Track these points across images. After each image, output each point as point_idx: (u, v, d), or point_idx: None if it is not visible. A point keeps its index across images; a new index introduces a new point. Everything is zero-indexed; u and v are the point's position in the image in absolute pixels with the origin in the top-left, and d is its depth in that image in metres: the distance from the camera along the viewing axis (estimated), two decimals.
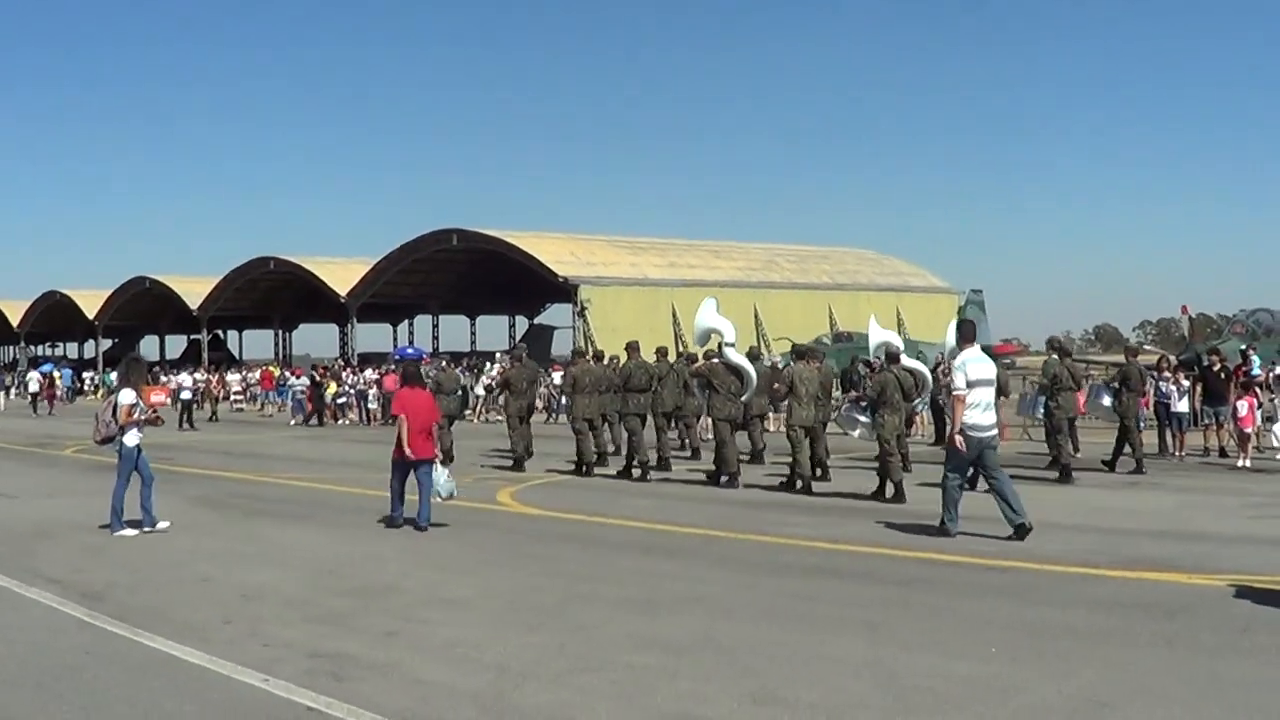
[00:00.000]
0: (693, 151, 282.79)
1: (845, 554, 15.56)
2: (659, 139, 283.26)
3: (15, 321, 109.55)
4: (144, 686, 9.70)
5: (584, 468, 26.64)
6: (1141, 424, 28.53)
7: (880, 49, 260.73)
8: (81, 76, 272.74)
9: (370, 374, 55.67)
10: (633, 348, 27.59)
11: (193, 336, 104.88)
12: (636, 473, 25.27)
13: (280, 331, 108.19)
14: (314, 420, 51.11)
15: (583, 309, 61.70)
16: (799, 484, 22.60)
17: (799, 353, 24.59)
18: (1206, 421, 29.95)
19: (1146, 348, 74.55)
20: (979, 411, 16.88)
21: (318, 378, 54.07)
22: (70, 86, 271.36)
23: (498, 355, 63.59)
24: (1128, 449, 26.37)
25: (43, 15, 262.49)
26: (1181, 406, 29.56)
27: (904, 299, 76.54)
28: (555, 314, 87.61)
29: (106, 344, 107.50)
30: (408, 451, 18.66)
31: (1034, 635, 10.87)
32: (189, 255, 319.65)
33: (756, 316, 65.96)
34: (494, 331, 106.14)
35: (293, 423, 52.04)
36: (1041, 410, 27.48)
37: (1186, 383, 30.30)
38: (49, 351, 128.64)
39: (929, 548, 15.68)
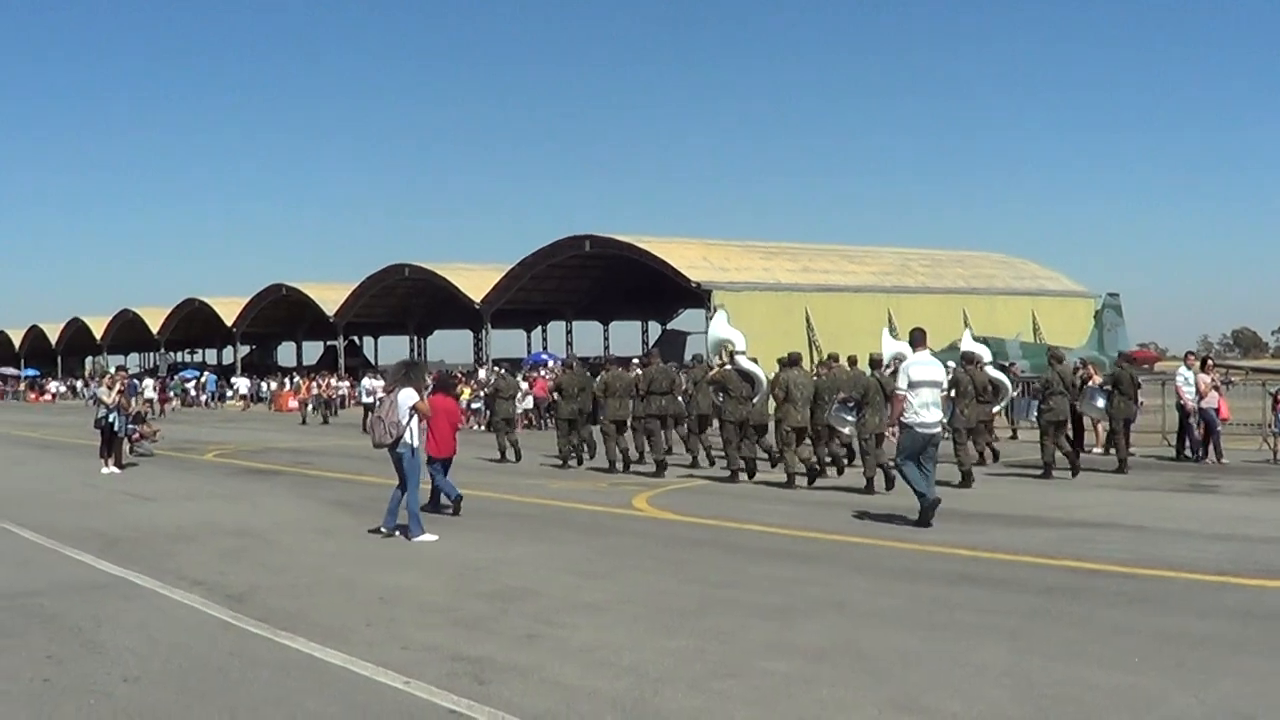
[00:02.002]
0: (825, 154, 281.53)
1: (985, 561, 15.43)
2: (790, 142, 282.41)
3: (155, 329, 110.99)
4: (288, 687, 9.82)
5: (613, 465, 29.10)
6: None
7: (1013, 46, 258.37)
8: (220, 88, 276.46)
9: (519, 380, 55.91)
10: (653, 354, 31.61)
11: (329, 343, 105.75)
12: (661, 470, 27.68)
13: (415, 338, 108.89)
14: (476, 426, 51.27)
15: (715, 314, 61.58)
16: (802, 481, 24.76)
17: (791, 360, 25.99)
18: None
19: None
20: (923, 410, 18.92)
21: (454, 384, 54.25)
22: (210, 97, 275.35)
23: (634, 360, 63.65)
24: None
25: (183, 25, 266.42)
26: None
27: (1039, 303, 75.60)
28: (688, 319, 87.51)
29: (244, 350, 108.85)
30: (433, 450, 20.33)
31: (1172, 644, 10.75)
32: (325, 263, 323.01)
33: (890, 321, 65.49)
34: (627, 337, 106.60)
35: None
36: (1035, 413, 28.84)
37: None
38: (188, 358, 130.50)
39: (1068, 555, 15.55)
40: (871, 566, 15.29)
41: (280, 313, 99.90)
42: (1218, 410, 29.90)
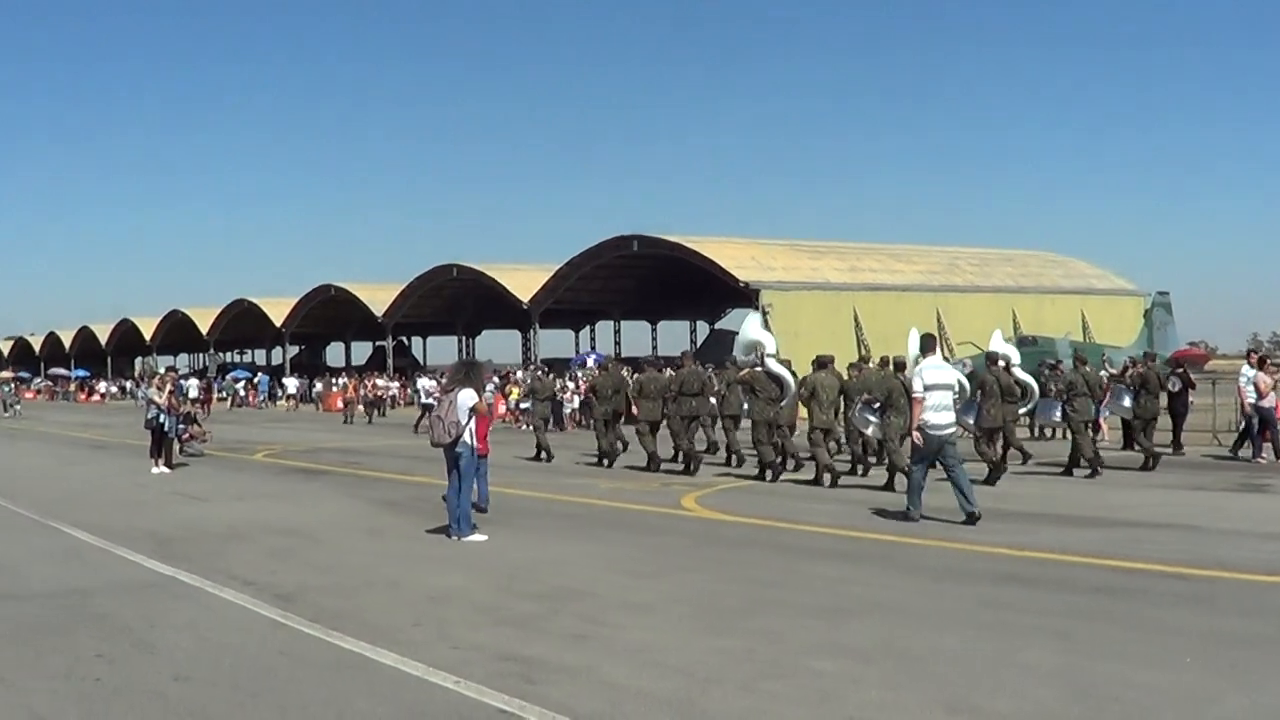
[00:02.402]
0: (871, 154, 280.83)
1: (1033, 561, 15.37)
2: (836, 141, 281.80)
3: (205, 329, 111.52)
4: (338, 687, 9.84)
5: (650, 464, 29.49)
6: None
7: (1062, 42, 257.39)
8: (269, 89, 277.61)
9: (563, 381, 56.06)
10: (685, 355, 32.49)
11: (378, 343, 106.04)
12: (692, 465, 28.60)
13: (463, 338, 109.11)
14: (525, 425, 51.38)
15: (764, 314, 61.52)
16: (827, 478, 25.42)
17: (819, 363, 27.04)
18: None
19: None
20: (937, 412, 19.36)
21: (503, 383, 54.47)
22: (261, 99, 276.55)
23: (680, 354, 63.55)
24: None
25: (232, 27, 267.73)
26: None
27: (1088, 302, 75.26)
28: (736, 319, 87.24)
29: (293, 351, 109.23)
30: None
31: (1224, 644, 10.70)
32: (373, 263, 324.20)
33: (939, 320, 65.34)
34: (675, 337, 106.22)
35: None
36: (1059, 413, 29.07)
37: None
38: (237, 358, 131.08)
39: (1117, 555, 15.49)
40: (919, 566, 15.25)
41: (329, 313, 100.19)
42: (1276, 409, 29.71)
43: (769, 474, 26.57)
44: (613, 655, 10.62)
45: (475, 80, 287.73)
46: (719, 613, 12.38)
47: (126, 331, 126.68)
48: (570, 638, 11.34)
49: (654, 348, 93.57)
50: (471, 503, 19.60)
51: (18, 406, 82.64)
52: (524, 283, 78.44)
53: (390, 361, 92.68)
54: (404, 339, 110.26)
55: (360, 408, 66.92)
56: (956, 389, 20.59)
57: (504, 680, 9.81)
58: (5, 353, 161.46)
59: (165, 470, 30.66)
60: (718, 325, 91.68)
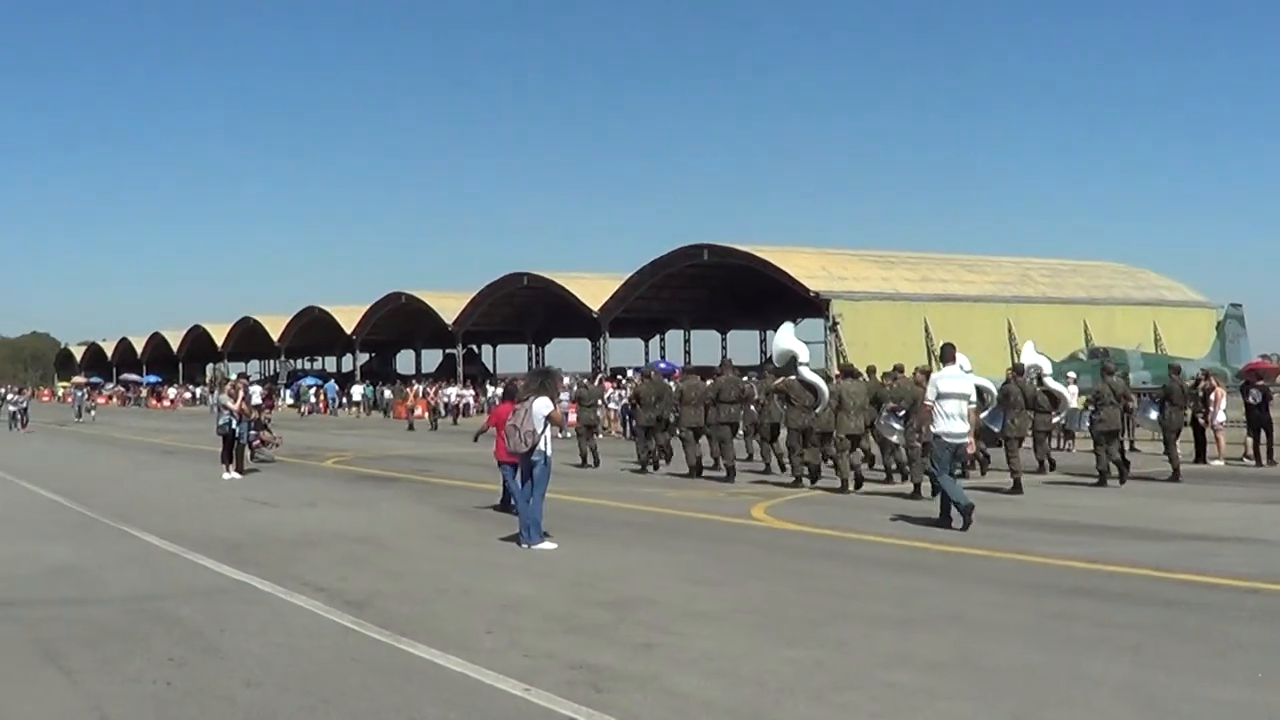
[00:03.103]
0: (942, 164, 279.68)
1: (1104, 574, 15.24)
2: (906, 151, 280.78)
3: (276, 336, 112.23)
4: (408, 694, 9.85)
5: (693, 471, 30.30)
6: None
7: (1134, 53, 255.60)
8: (344, 101, 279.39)
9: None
10: (725, 364, 33.54)
11: (447, 351, 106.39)
12: (723, 473, 29.32)
13: (533, 346, 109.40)
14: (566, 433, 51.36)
15: (834, 324, 61.46)
16: (849, 485, 25.90)
17: (846, 372, 28.63)
18: None
19: None
20: (950, 420, 20.14)
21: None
22: (334, 110, 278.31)
23: (720, 363, 63.77)
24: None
25: (303, 41, 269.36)
26: None
27: (1160, 313, 74.90)
28: (807, 329, 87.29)
29: (364, 358, 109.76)
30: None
31: None
32: (443, 272, 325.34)
33: (1010, 331, 65.10)
34: (745, 346, 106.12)
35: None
36: (1088, 424, 29.14)
37: None
38: (308, 365, 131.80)
39: (1189, 569, 15.33)
40: (989, 578, 15.16)
41: (399, 321, 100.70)
42: None
43: (803, 481, 27.22)
44: (681, 664, 10.60)
45: (548, 91, 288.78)
46: (788, 623, 12.35)
47: (199, 338, 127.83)
48: (639, 646, 11.33)
49: (723, 357, 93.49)
50: (511, 503, 20.49)
51: (93, 412, 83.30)
52: (594, 291, 78.64)
53: (460, 369, 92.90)
54: (474, 347, 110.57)
55: (424, 415, 67.30)
56: (973, 398, 20.96)
57: (573, 689, 9.81)
58: (78, 358, 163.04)
59: (236, 476, 30.85)
60: None
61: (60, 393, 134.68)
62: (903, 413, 25.73)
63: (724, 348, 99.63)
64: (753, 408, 32.19)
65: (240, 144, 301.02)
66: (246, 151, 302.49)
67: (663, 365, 70.58)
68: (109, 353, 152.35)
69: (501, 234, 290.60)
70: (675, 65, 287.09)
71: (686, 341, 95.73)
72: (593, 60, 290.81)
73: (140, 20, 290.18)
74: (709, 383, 32.18)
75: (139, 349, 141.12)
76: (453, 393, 75.13)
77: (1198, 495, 24.93)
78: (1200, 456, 32.57)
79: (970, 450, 21.45)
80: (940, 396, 20.23)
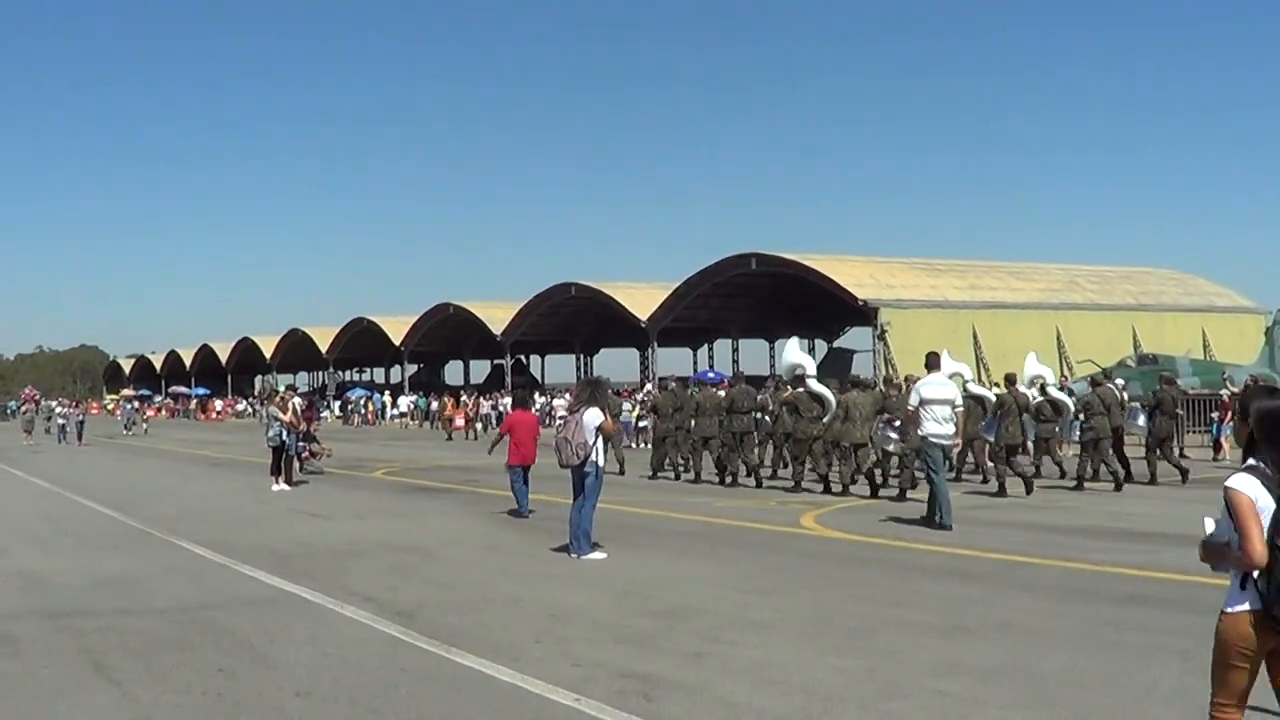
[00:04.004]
0: (988, 170, 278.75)
1: (1155, 581, 15.19)
2: (954, 158, 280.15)
3: (324, 348, 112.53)
4: (458, 704, 9.86)
5: (697, 476, 32.16)
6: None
7: (1182, 60, 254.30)
8: (385, 114, 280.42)
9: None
10: (738, 375, 35.16)
11: (496, 361, 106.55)
12: (728, 480, 30.80)
13: (581, 356, 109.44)
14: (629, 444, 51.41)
15: (883, 332, 61.26)
16: (848, 488, 27.34)
17: (852, 383, 29.92)
18: None
19: None
20: (938, 423, 21.66)
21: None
22: (379, 122, 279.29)
23: (733, 374, 63.70)
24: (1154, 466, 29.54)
25: (346, 53, 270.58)
26: None
27: (1209, 320, 74.38)
28: (855, 337, 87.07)
29: (412, 369, 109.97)
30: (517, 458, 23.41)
31: None
32: (491, 282, 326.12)
33: (1059, 338, 64.86)
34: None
35: None
36: (1078, 433, 29.99)
37: None
38: (356, 377, 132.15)
39: None
40: (1038, 585, 15.12)
41: (447, 331, 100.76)
42: None
43: (815, 488, 28.11)
44: (731, 673, 10.58)
45: (596, 100, 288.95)
46: (837, 631, 12.33)
47: (247, 350, 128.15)
48: (689, 655, 11.31)
49: (772, 366, 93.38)
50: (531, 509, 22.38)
51: (145, 425, 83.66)
52: (642, 301, 78.59)
53: (509, 380, 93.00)
54: (522, 357, 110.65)
55: (460, 424, 67.69)
56: (957, 402, 22.50)
57: (623, 698, 9.80)
58: (127, 371, 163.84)
59: (285, 488, 30.96)
60: (836, 344, 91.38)
61: (110, 406, 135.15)
62: (898, 422, 26.22)
63: (772, 356, 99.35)
64: (767, 417, 33.24)
65: (288, 157, 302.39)
66: (295, 165, 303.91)
67: (711, 375, 70.47)
68: (158, 365, 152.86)
69: (549, 244, 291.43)
70: (723, 74, 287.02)
71: (735, 351, 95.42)
72: (641, 70, 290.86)
73: (188, 36, 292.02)
74: (722, 393, 33.44)
75: (187, 361, 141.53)
76: (506, 403, 75.12)
77: None
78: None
79: (955, 450, 23.37)
80: (924, 402, 21.76)
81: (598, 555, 17.88)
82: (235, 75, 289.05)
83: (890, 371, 50.52)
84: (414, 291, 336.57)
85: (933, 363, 23.03)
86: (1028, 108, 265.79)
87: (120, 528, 23.13)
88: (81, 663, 11.54)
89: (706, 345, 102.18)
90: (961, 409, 22.82)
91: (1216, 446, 34.89)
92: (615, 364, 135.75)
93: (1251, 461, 6.77)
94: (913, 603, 13.99)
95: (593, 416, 18.42)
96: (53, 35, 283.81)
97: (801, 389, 29.04)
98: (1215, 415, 36.99)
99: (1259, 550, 6.46)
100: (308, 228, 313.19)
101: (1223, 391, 37.61)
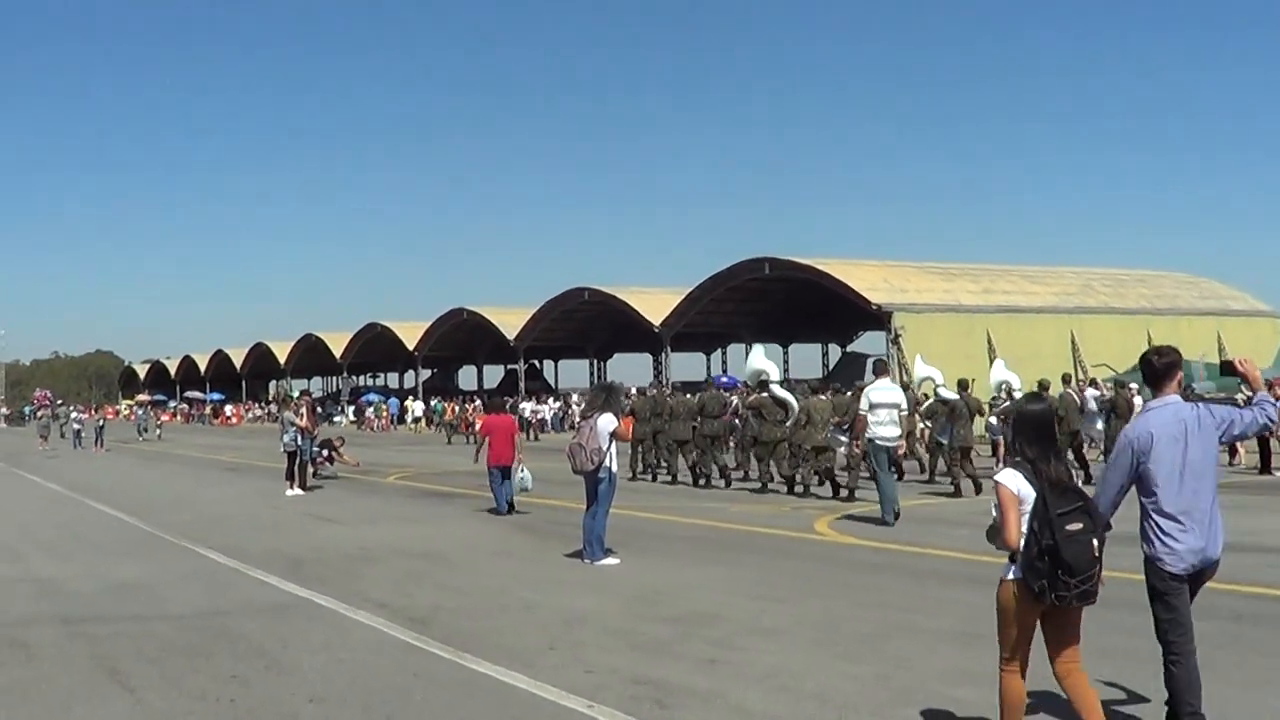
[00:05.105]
0: (1003, 175, 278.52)
1: None
2: (967, 162, 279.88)
3: (338, 353, 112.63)
4: (472, 710, 9.85)
5: (675, 479, 33.51)
6: None
7: (1196, 59, 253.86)
8: (399, 119, 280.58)
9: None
10: (708, 383, 36.37)
11: (509, 366, 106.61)
12: (701, 482, 32.31)
13: (595, 361, 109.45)
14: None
15: (896, 336, 61.11)
16: (810, 489, 28.40)
17: (813, 389, 30.76)
18: None
19: None
20: (883, 426, 23.42)
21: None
22: (387, 128, 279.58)
23: (704, 380, 63.64)
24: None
25: (367, 57, 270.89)
26: None
27: (1224, 323, 74.15)
28: (869, 342, 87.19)
29: (425, 374, 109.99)
30: (494, 460, 25.21)
31: None
32: (505, 287, 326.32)
33: (1073, 342, 64.74)
34: (808, 359, 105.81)
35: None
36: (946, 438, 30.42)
37: None
38: (370, 381, 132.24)
39: (1257, 581, 15.18)
40: None
41: (461, 336, 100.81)
42: None
43: (770, 489, 29.48)
44: (744, 680, 10.57)
45: (607, 105, 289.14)
46: (851, 638, 12.31)
47: (262, 355, 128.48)
48: (702, 662, 11.30)
49: (785, 371, 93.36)
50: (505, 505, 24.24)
51: (159, 431, 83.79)
52: (655, 306, 78.62)
53: (522, 384, 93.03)
54: (535, 362, 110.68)
55: (444, 429, 68.37)
56: (903, 407, 24.95)
57: (637, 705, 9.80)
58: (142, 376, 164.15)
59: (300, 493, 31.00)
60: (850, 348, 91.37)
61: (125, 411, 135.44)
62: (848, 426, 26.94)
63: (786, 361, 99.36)
64: (737, 420, 34.85)
65: (302, 164, 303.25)
66: (309, 172, 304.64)
67: (724, 380, 70.44)
68: (172, 370, 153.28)
69: (562, 249, 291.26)
70: (735, 79, 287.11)
71: (748, 355, 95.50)
72: (654, 75, 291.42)
73: (204, 45, 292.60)
74: (694, 398, 35.05)
75: (202, 366, 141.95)
76: (528, 408, 75.32)
77: (1265, 506, 24.74)
78: (1266, 468, 32.38)
79: (900, 452, 25.17)
80: (873, 406, 23.46)
81: (611, 561, 17.87)
82: (251, 84, 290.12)
83: (905, 376, 50.19)
84: (427, 297, 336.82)
85: (879, 369, 25.15)
86: (1041, 111, 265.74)
87: (134, 533, 23.17)
88: (95, 669, 11.55)
89: (720, 350, 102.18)
90: (906, 413, 25.38)
91: (1232, 451, 34.74)
92: (628, 369, 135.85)
93: (1017, 458, 8.23)
94: (927, 609, 13.96)
95: (606, 422, 18.37)
96: (75, 39, 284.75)
97: (766, 394, 30.15)
98: None
99: (1013, 535, 8.04)
100: (322, 234, 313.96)
101: (1238, 396, 37.45)
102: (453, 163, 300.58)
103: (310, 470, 33.61)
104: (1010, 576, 8.27)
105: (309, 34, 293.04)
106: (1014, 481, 8.05)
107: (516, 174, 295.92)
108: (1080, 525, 7.97)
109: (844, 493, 27.23)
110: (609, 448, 18.29)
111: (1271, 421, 8.72)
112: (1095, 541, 8.08)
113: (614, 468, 18.54)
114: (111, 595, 15.95)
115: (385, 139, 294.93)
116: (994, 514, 8.23)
